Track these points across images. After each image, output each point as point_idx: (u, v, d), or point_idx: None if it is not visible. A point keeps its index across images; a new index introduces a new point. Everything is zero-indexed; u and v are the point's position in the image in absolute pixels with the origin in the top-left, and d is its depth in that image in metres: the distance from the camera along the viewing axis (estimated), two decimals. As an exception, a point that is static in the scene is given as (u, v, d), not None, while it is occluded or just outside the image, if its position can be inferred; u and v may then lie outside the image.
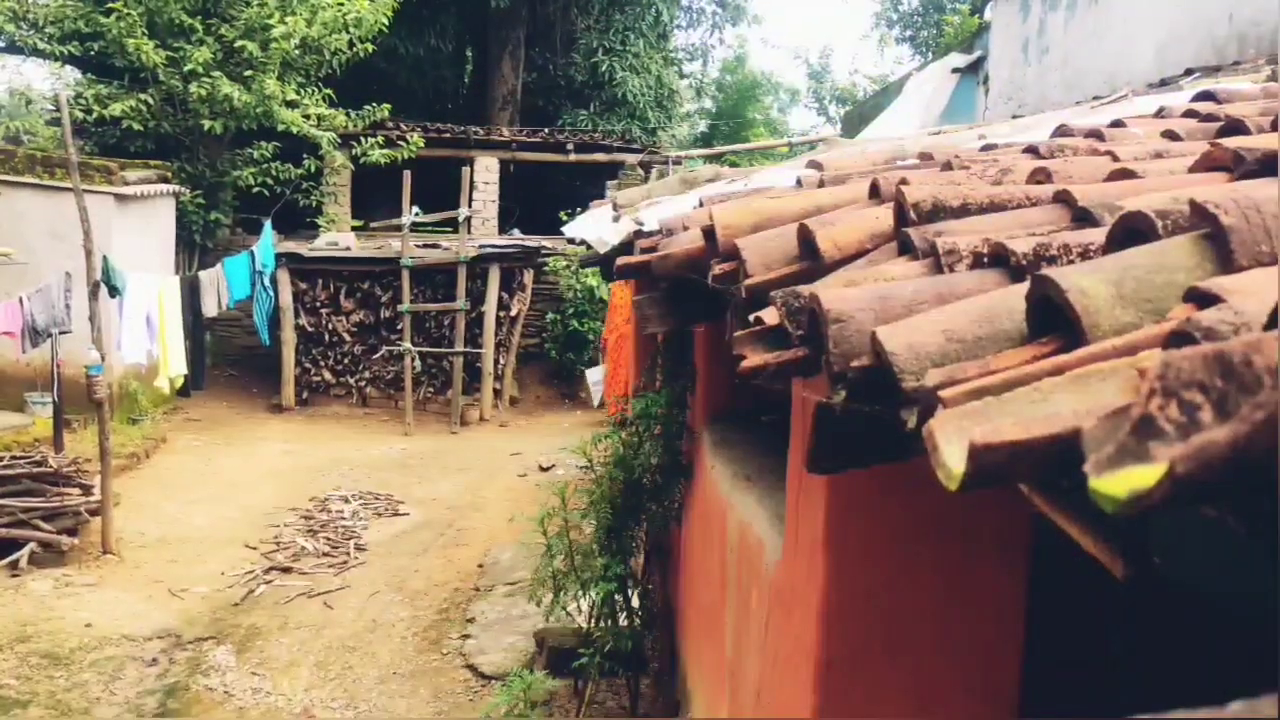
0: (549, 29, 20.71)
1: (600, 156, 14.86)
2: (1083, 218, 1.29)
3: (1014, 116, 6.89)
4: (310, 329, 12.23)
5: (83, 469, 7.23)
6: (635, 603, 4.63)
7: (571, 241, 13.74)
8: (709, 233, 2.09)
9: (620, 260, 2.38)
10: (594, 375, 10.09)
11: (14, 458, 7.00)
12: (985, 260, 1.21)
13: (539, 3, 20.11)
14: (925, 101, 10.04)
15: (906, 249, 1.42)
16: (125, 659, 5.65)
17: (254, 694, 5.30)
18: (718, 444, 3.98)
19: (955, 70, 10.17)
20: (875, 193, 1.93)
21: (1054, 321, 0.91)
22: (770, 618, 2.81)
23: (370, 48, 12.37)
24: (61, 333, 7.09)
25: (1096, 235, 1.14)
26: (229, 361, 13.29)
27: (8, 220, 9.79)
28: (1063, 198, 1.39)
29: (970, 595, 2.40)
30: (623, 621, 4.60)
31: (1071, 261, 1.08)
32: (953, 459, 0.73)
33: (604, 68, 19.20)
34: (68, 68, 12.48)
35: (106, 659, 5.64)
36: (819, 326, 1.17)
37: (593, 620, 4.64)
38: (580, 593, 4.57)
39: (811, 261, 1.75)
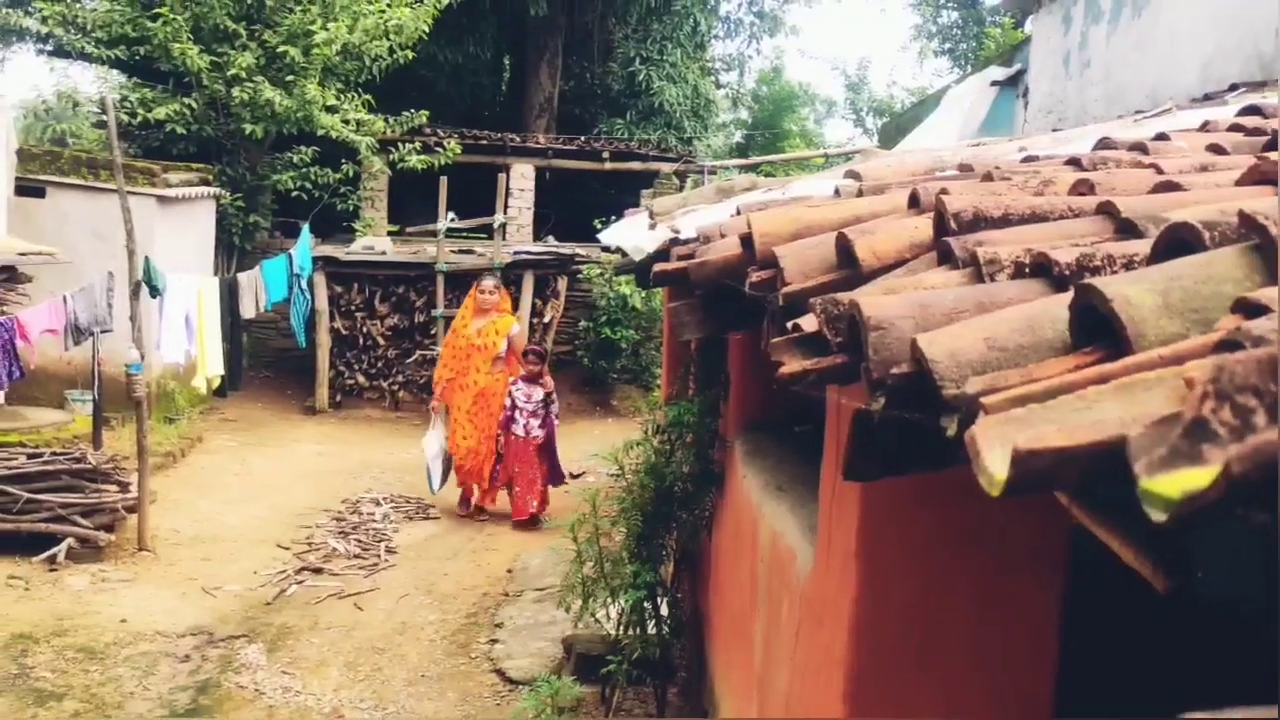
0: (586, 38, 20.80)
1: (636, 165, 14.90)
2: (1127, 229, 1.28)
3: (1054, 130, 6.83)
4: (345, 332, 12.34)
5: (120, 466, 7.32)
6: (664, 610, 4.62)
7: (607, 249, 13.81)
8: (747, 240, 2.10)
9: (657, 267, 2.38)
10: (431, 446, 8.44)
11: (54, 454, 7.10)
12: (1027, 270, 1.20)
13: (577, 12, 20.21)
14: (964, 114, 9.99)
15: (946, 258, 1.42)
16: (159, 655, 5.72)
17: (284, 693, 5.34)
18: (750, 453, 3.97)
19: (994, 83, 10.11)
20: (915, 203, 1.93)
21: (1098, 331, 0.90)
22: (801, 628, 2.80)
23: (410, 54, 12.48)
24: (103, 331, 7.20)
25: (1141, 246, 1.14)
26: (264, 363, 13.43)
27: (53, 220, 9.96)
28: (1106, 209, 1.38)
29: (1004, 607, 2.38)
30: (651, 629, 4.59)
31: (1115, 272, 1.07)
32: (995, 465, 0.73)
33: (641, 76, 19.25)
34: (113, 72, 12.68)
35: (141, 654, 5.70)
36: (859, 333, 1.17)
37: (621, 627, 4.64)
38: (610, 599, 4.57)
39: (850, 270, 1.75)
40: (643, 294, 12.72)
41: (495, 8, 17.51)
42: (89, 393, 9.63)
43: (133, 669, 5.54)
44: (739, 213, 2.64)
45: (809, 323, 1.41)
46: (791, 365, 1.35)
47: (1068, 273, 1.10)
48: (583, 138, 15.96)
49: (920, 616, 2.38)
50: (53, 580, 6.53)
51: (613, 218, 13.38)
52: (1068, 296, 0.99)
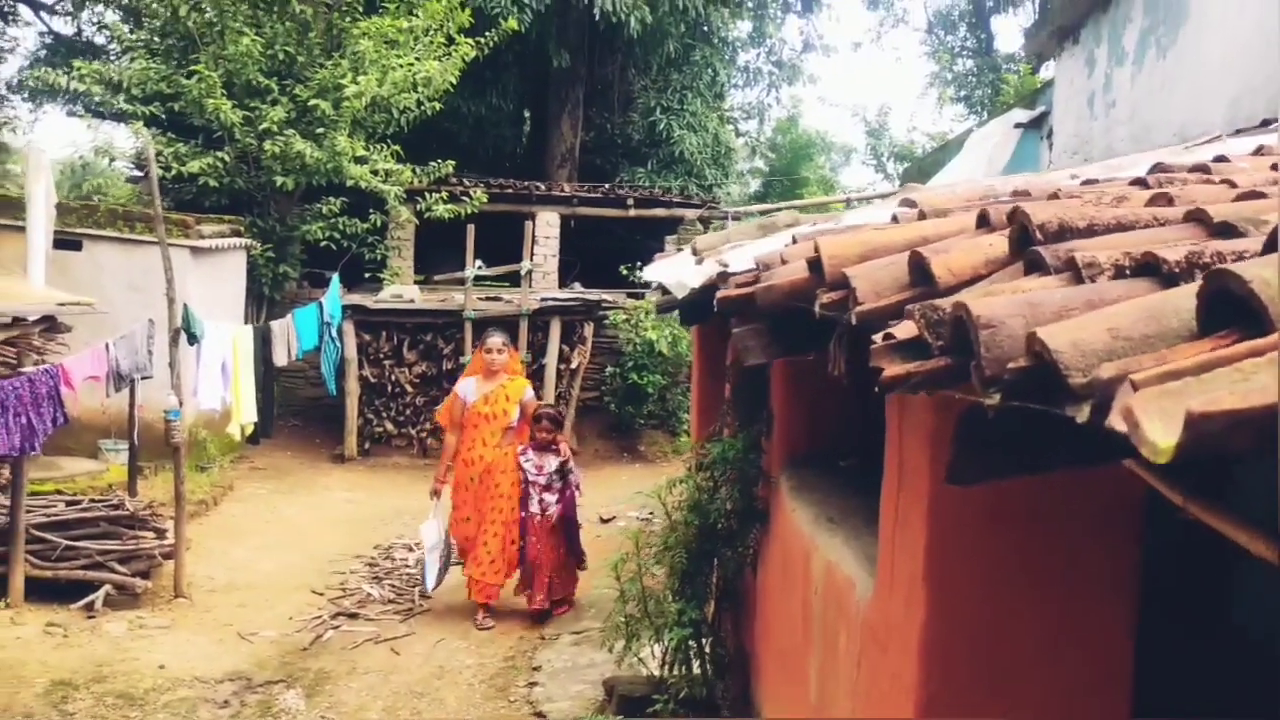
0: (607, 89, 21.10)
1: (660, 211, 15.03)
2: (1223, 232, 1.30)
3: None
4: (373, 380, 12.41)
5: (157, 513, 7.36)
6: (707, 650, 4.59)
7: (633, 295, 13.89)
8: (815, 264, 2.12)
9: (721, 293, 2.41)
10: (429, 535, 7.06)
11: (92, 500, 7.15)
12: (1128, 271, 1.22)
13: (597, 64, 20.53)
14: (988, 156, 10.04)
15: (1035, 267, 1.44)
16: (198, 700, 5.70)
17: (324, 737, 5.31)
18: (797, 488, 3.97)
19: (1018, 125, 10.18)
20: (984, 222, 1.95)
21: (1229, 317, 0.92)
22: (863, 656, 2.78)
23: (438, 106, 12.68)
24: (144, 378, 7.28)
25: (1247, 244, 1.15)
26: (293, 412, 13.50)
27: (89, 272, 10.11)
28: (1196, 215, 1.40)
29: (1076, 634, 2.36)
30: (696, 669, 4.56)
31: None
32: (1157, 434, 0.74)
33: (661, 126, 19.49)
34: (146, 128, 12.92)
35: (180, 700, 5.69)
36: (965, 334, 1.19)
37: (666, 667, 4.61)
38: (653, 638, 4.55)
39: (925, 287, 1.77)
40: (669, 339, 12.78)
41: (518, 60, 17.81)
42: (122, 442, 9.71)
43: (172, 715, 5.52)
44: (795, 242, 2.67)
45: (904, 330, 1.43)
46: (893, 370, 1.37)
47: (1178, 270, 1.12)
48: (606, 185, 16.13)
49: (991, 641, 2.36)
50: (91, 627, 6.53)
51: (638, 264, 13.52)
52: (1188, 288, 1.00)
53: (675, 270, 4.52)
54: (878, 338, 1.46)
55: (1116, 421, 0.86)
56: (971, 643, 2.36)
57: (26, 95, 22.41)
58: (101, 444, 10.11)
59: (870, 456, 4.11)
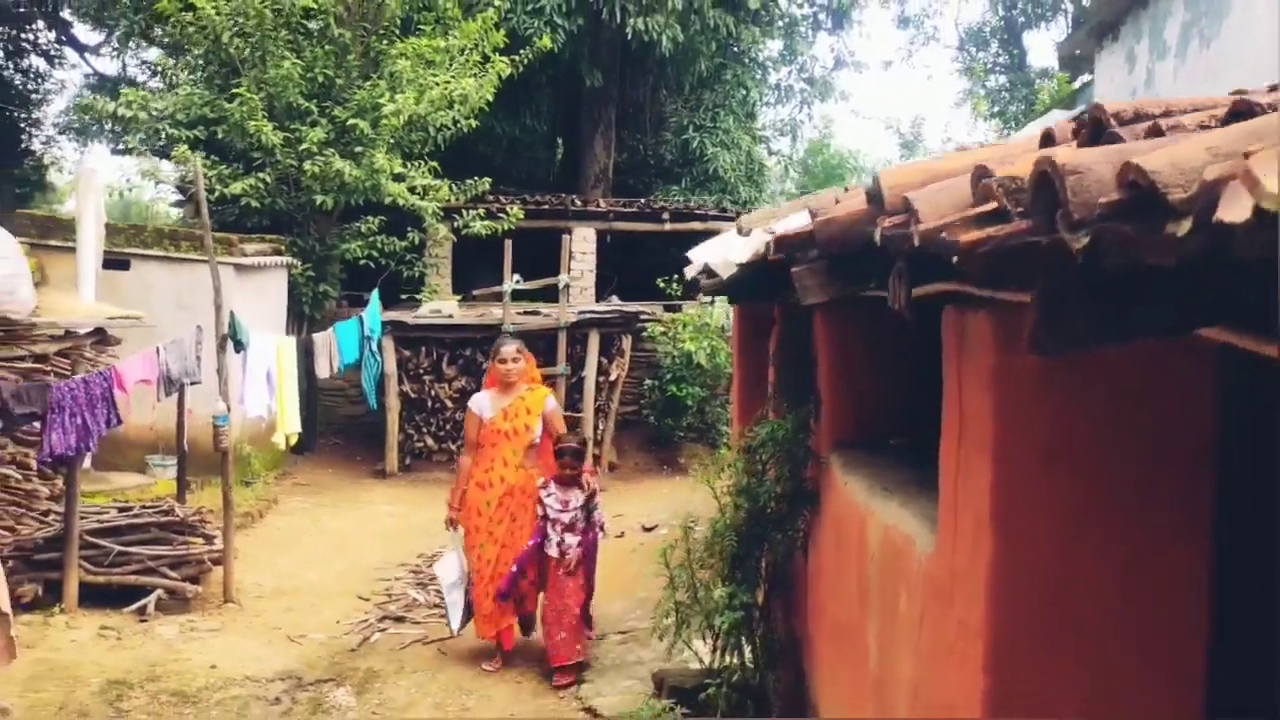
0: (639, 111, 21.24)
1: (696, 225, 15.04)
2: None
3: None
4: (413, 395, 12.49)
5: (205, 519, 7.43)
6: (759, 635, 4.54)
7: (670, 308, 13.91)
8: (874, 195, 2.12)
9: (780, 231, 2.41)
10: (449, 572, 6.33)
11: (143, 507, 7.24)
12: (1215, 125, 1.21)
13: (629, 85, 20.66)
14: (1026, 157, 9.99)
15: (1114, 142, 1.42)
16: (250, 698, 5.73)
17: (375, 731, 5.31)
18: (848, 464, 3.94)
19: (1056, 126, 10.11)
20: (1049, 141, 1.94)
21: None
22: (926, 612, 2.75)
23: (474, 123, 12.81)
24: (193, 383, 7.38)
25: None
26: (334, 430, 13.62)
27: (138, 290, 10.29)
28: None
29: (1150, 574, 2.32)
30: (748, 656, 4.52)
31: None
32: (1274, 184, 0.73)
33: (695, 144, 19.57)
34: (188, 151, 13.17)
35: (232, 698, 5.72)
36: (1051, 187, 1.18)
37: (718, 653, 4.58)
38: (704, 625, 4.52)
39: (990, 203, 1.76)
40: (707, 350, 12.77)
41: (551, 81, 17.98)
42: (170, 458, 9.84)
43: (225, 712, 5.55)
44: (846, 190, 2.66)
45: (984, 206, 1.42)
46: (972, 235, 1.36)
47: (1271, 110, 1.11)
48: (642, 200, 16.20)
49: (1061, 584, 2.33)
50: (143, 630, 6.60)
51: (675, 277, 13.56)
52: (1286, 107, 0.99)
53: (721, 249, 4.52)
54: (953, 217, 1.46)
55: (1226, 213, 0.85)
56: (1040, 586, 2.32)
57: (73, 135, 23.02)
58: (149, 459, 10.24)
59: (920, 436, 4.10)
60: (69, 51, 23.94)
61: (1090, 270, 1.22)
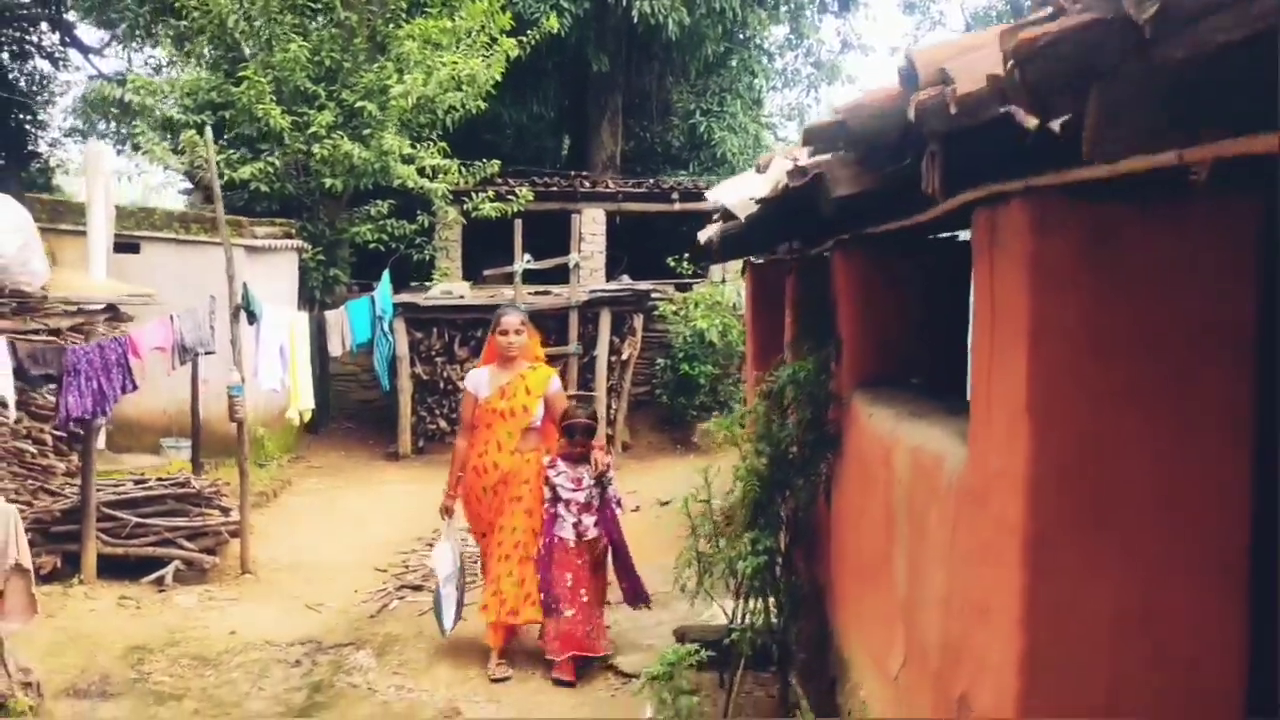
0: (645, 99, 21.20)
1: (706, 205, 14.98)
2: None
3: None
4: (425, 378, 12.46)
5: (221, 491, 7.43)
6: (782, 581, 4.51)
7: (681, 288, 13.87)
8: (907, 75, 2.08)
9: (809, 126, 2.37)
10: (443, 564, 5.80)
11: (159, 480, 7.24)
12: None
13: (635, 72, 20.62)
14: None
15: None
16: (270, 661, 5.72)
17: (397, 690, 5.30)
18: (871, 401, 3.91)
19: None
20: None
21: None
22: (958, 522, 2.71)
23: (482, 105, 12.79)
24: (207, 353, 7.37)
25: None
26: (346, 415, 13.62)
27: (146, 272, 10.27)
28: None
29: (1188, 465, 2.28)
30: (771, 602, 4.49)
31: None
32: None
33: (702, 129, 19.55)
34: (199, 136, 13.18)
35: (252, 661, 5.72)
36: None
37: (740, 601, 4.55)
38: (727, 570, 4.49)
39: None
40: (719, 328, 12.73)
41: (557, 68, 17.96)
42: (184, 440, 9.86)
43: (246, 673, 5.55)
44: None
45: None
46: (1029, 32, 1.32)
47: None
48: (652, 179, 16.15)
49: (1098, 475, 2.29)
50: (162, 600, 6.60)
51: (685, 256, 13.52)
52: None
53: (740, 188, 4.49)
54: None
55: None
56: (1079, 476, 2.28)
57: (79, 138, 23.05)
58: (163, 442, 10.26)
59: (942, 376, 4.06)
60: (73, 54, 24.00)
61: (1151, 72, 1.19)
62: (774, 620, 4.47)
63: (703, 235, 6.96)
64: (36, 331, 6.75)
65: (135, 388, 6.42)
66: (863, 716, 3.65)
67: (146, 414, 10.34)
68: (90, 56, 24.43)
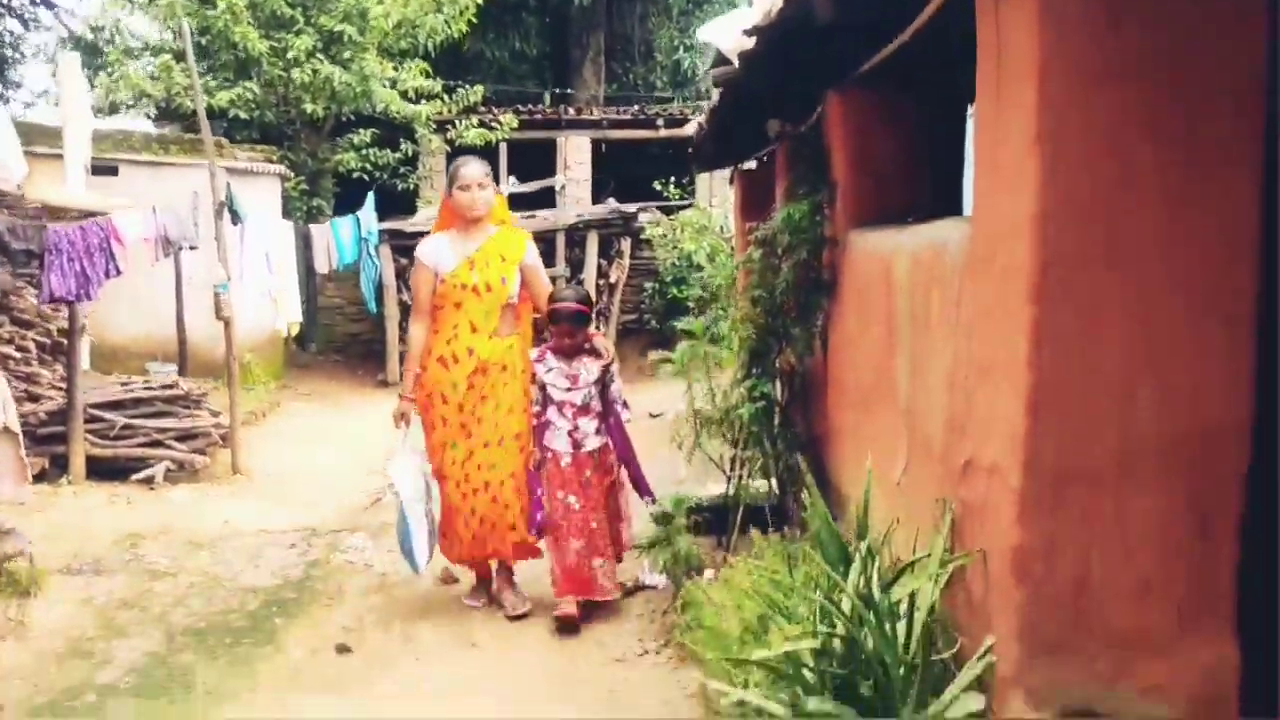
0: (627, 42, 21.02)
1: (691, 130, 14.89)
2: None
3: None
4: (412, 304, 12.37)
5: (210, 395, 7.37)
6: (779, 431, 4.49)
7: (666, 211, 13.77)
8: None
9: None
10: (404, 479, 4.58)
11: (146, 383, 7.17)
12: None
13: (617, 14, 20.42)
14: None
15: None
16: (265, 544, 5.70)
17: (394, 564, 5.27)
18: (867, 235, 3.88)
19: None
20: None
21: None
22: (962, 294, 2.68)
23: (464, 27, 12.62)
24: (190, 248, 7.28)
25: None
26: (334, 347, 13.56)
27: (127, 198, 10.14)
28: None
29: (1196, 201, 2.25)
30: (769, 448, 4.48)
31: None
32: None
33: (686, 65, 19.40)
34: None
35: (247, 544, 5.69)
36: None
37: (737, 446, 4.55)
38: (724, 420, 4.48)
39: None
40: (707, 250, 12.66)
41: (540, 1, 17.76)
42: (169, 364, 9.79)
43: (241, 554, 5.52)
44: None
45: None
46: None
47: None
48: (636, 106, 16.01)
49: (1106, 211, 2.25)
50: (153, 497, 6.57)
51: (671, 179, 13.44)
52: None
53: (732, 25, 4.41)
54: None
55: None
56: (1087, 213, 2.24)
57: (53, 102, 22.63)
58: (149, 365, 10.13)
59: (940, 217, 4.02)
60: (44, 14, 23.50)
61: None
62: (772, 466, 4.45)
63: (690, 127, 6.88)
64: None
65: (120, 272, 6.33)
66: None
67: (131, 338, 10.25)
68: (61, 16, 23.99)
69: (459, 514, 4.53)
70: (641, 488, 4.69)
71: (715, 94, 5.36)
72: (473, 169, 4.57)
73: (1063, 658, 2.33)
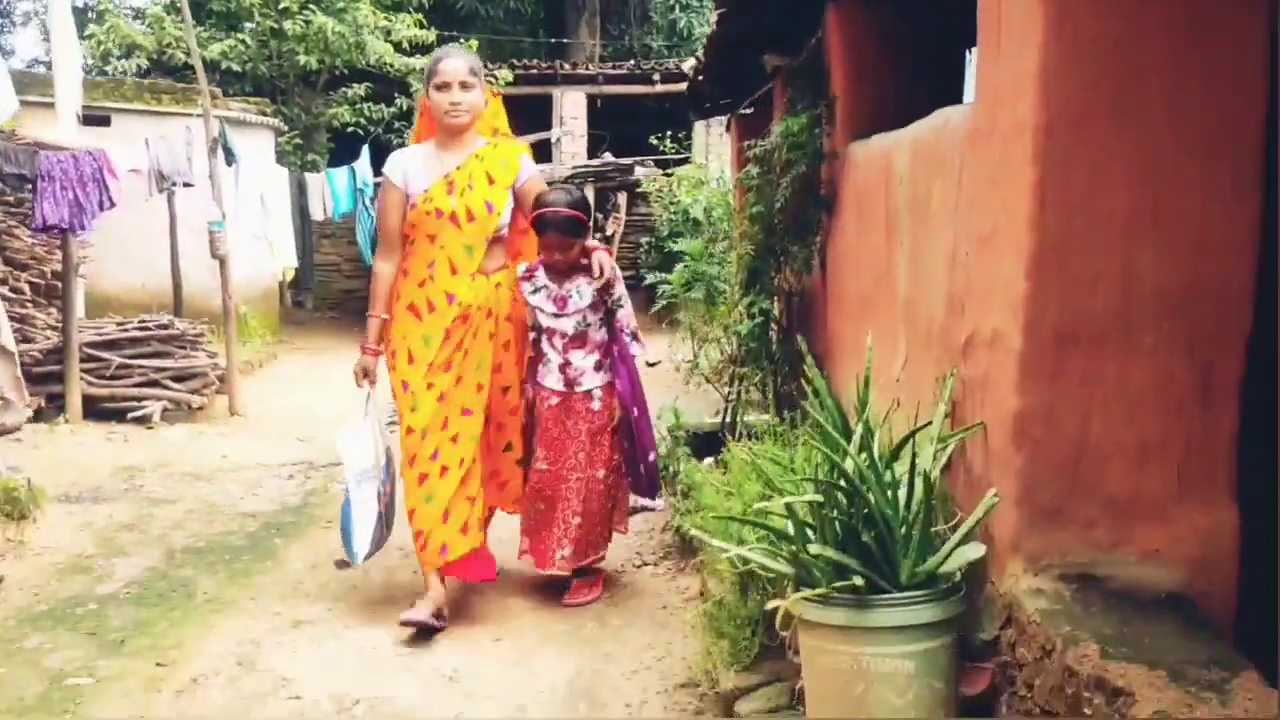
0: (622, 3, 20.87)
1: (688, 68, 14.82)
2: None
3: None
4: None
5: (205, 335, 7.36)
6: (777, 346, 4.49)
7: (677, 162, 13.68)
8: None
9: None
10: (356, 454, 3.86)
11: (141, 322, 7.14)
12: None
13: (612, -27, 20.27)
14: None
15: None
16: (263, 476, 5.71)
17: (392, 491, 5.28)
18: (867, 144, 3.86)
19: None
20: None
21: None
22: (963, 169, 2.67)
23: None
24: (185, 184, 7.24)
25: None
26: (329, 305, 13.53)
27: (117, 145, 10.08)
28: None
29: (1203, 47, 2.22)
30: (767, 366, 4.47)
31: None
32: None
33: (683, 24, 19.27)
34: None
35: (245, 476, 5.69)
36: None
37: (735, 364, 4.55)
38: (723, 336, 4.47)
39: None
40: (704, 205, 12.61)
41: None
42: (164, 315, 9.75)
43: (239, 484, 5.53)
44: None
45: None
46: None
47: None
48: (632, 61, 15.91)
49: (1112, 64, 2.22)
50: (150, 435, 6.57)
51: (668, 134, 13.37)
52: None
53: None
54: None
55: None
56: (1091, 66, 2.21)
57: (44, 67, 22.45)
58: (145, 318, 10.12)
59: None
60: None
61: None
62: (770, 383, 4.45)
63: (687, 66, 6.83)
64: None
65: (113, 205, 6.30)
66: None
67: (125, 289, 10.20)
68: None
69: (422, 500, 3.54)
70: (641, 480, 3.80)
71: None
72: (454, 62, 3.58)
73: (1062, 522, 2.33)
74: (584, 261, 3.67)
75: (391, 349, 3.69)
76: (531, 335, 3.79)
